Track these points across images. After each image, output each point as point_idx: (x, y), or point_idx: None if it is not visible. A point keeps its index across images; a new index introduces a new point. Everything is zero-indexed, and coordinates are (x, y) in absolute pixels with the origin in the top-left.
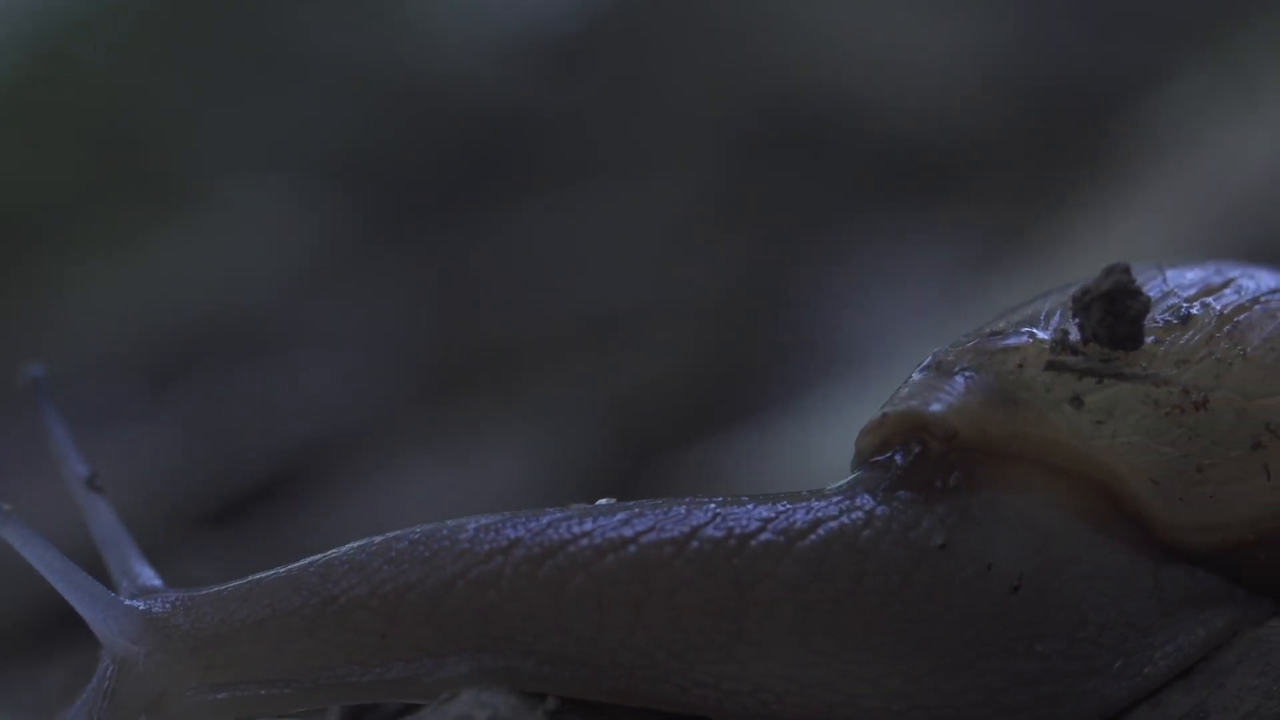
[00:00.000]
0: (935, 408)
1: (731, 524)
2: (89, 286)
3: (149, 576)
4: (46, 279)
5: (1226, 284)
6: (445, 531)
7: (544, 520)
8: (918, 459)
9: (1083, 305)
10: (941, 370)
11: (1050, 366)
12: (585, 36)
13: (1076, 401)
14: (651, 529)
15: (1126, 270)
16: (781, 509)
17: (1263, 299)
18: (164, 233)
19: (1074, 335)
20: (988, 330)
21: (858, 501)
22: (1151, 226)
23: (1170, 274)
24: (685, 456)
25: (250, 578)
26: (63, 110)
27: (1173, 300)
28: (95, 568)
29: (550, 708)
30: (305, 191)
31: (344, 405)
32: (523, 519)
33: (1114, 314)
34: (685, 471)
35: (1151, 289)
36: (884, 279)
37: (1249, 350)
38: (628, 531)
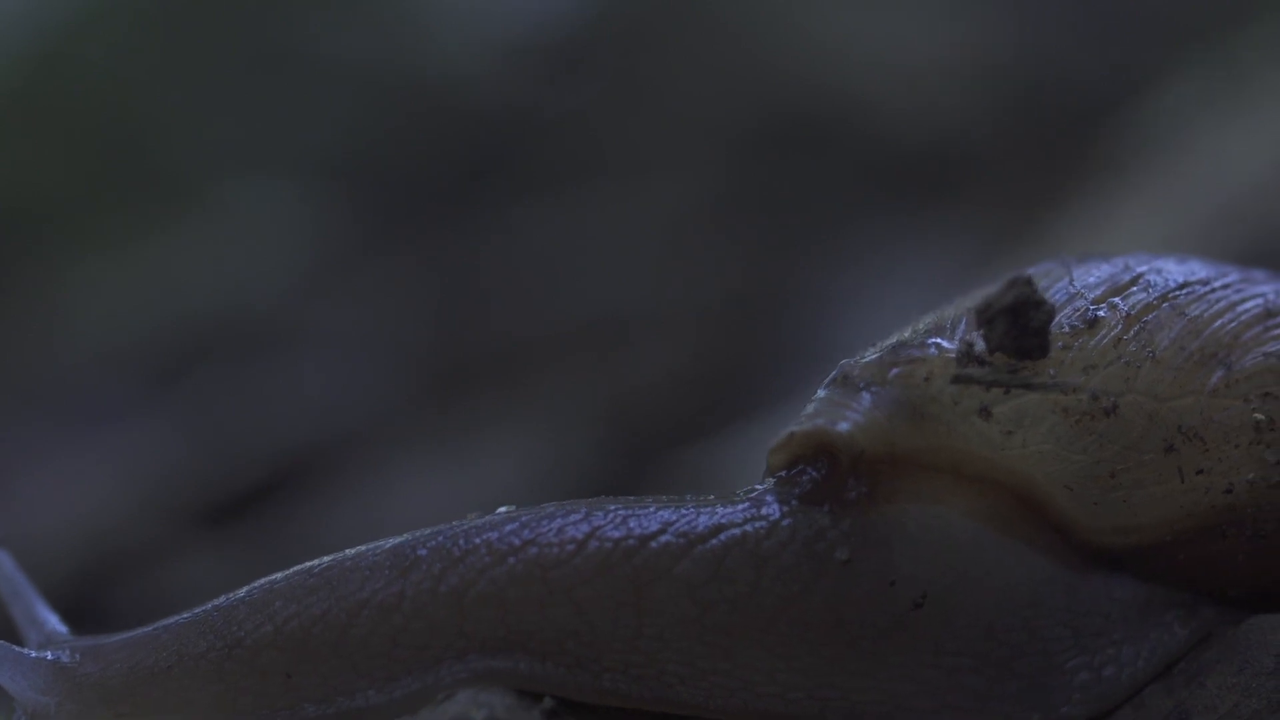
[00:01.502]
0: (842, 427)
1: (633, 525)
2: (90, 286)
3: (55, 624)
4: (48, 278)
5: (1134, 281)
6: (349, 561)
7: (443, 536)
8: (826, 474)
9: (986, 319)
10: (848, 385)
11: (956, 380)
12: (586, 38)
13: (985, 413)
14: (552, 531)
15: (1028, 281)
16: (685, 513)
17: (1171, 296)
18: (166, 233)
19: (979, 346)
20: (895, 340)
21: (763, 511)
22: (1147, 228)
23: (1077, 273)
24: (685, 457)
25: (159, 623)
26: (65, 111)
27: (1080, 303)
28: (87, 569)
29: (547, 707)
30: (307, 192)
31: (345, 405)
32: (425, 536)
33: (1017, 327)
34: (685, 472)
35: (1057, 291)
36: (883, 280)
37: (1158, 352)
38: (528, 534)
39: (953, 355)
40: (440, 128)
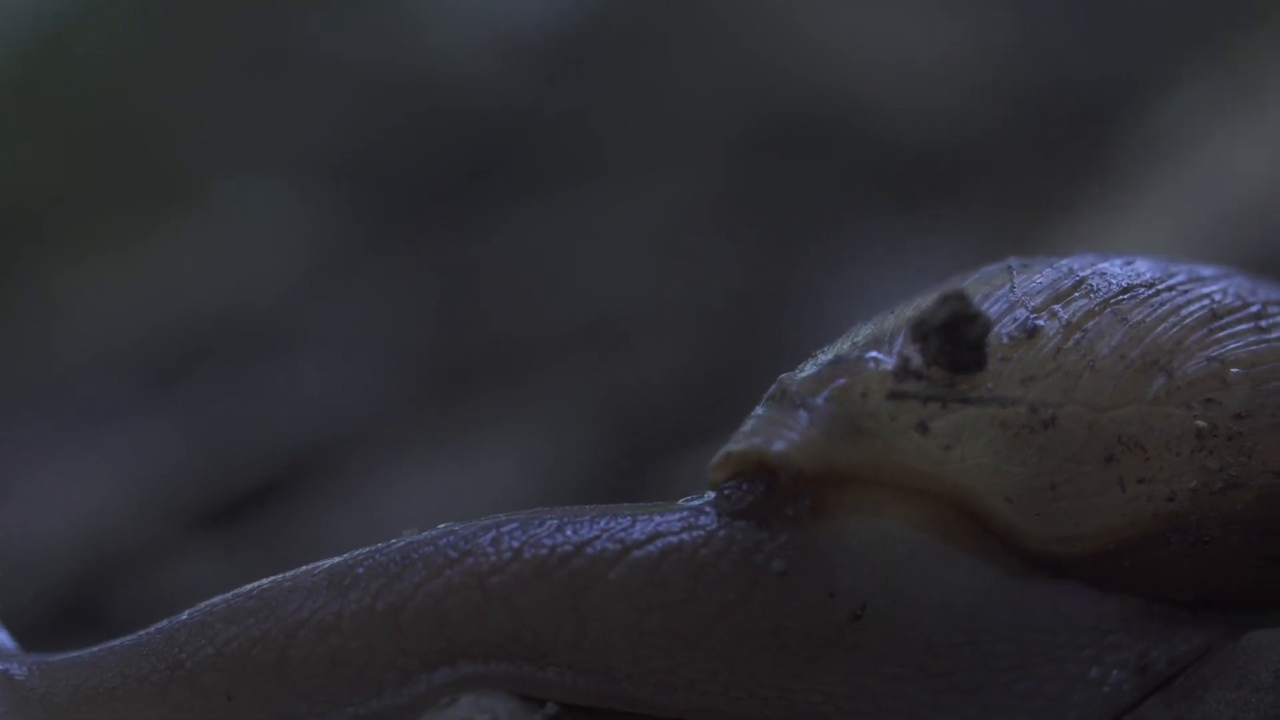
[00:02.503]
0: (778, 446)
1: (569, 533)
2: (90, 286)
3: (3, 638)
4: (47, 278)
5: (1077, 286)
6: (288, 581)
7: (381, 554)
8: (765, 491)
9: (920, 335)
10: (785, 402)
11: (893, 396)
12: (586, 38)
13: (922, 428)
14: (488, 541)
15: (961, 297)
16: (622, 521)
17: (1113, 301)
18: (165, 232)
19: (916, 361)
20: (833, 354)
21: (701, 521)
22: (1151, 231)
23: (1019, 279)
24: (685, 458)
25: (105, 644)
26: (64, 110)
27: (1020, 312)
28: (87, 569)
29: (550, 712)
30: (307, 192)
31: (344, 406)
32: (363, 555)
33: (952, 342)
34: (685, 472)
35: (998, 300)
36: (884, 282)
37: (1098, 361)
38: (465, 546)
39: (890, 370)
40: (440, 127)
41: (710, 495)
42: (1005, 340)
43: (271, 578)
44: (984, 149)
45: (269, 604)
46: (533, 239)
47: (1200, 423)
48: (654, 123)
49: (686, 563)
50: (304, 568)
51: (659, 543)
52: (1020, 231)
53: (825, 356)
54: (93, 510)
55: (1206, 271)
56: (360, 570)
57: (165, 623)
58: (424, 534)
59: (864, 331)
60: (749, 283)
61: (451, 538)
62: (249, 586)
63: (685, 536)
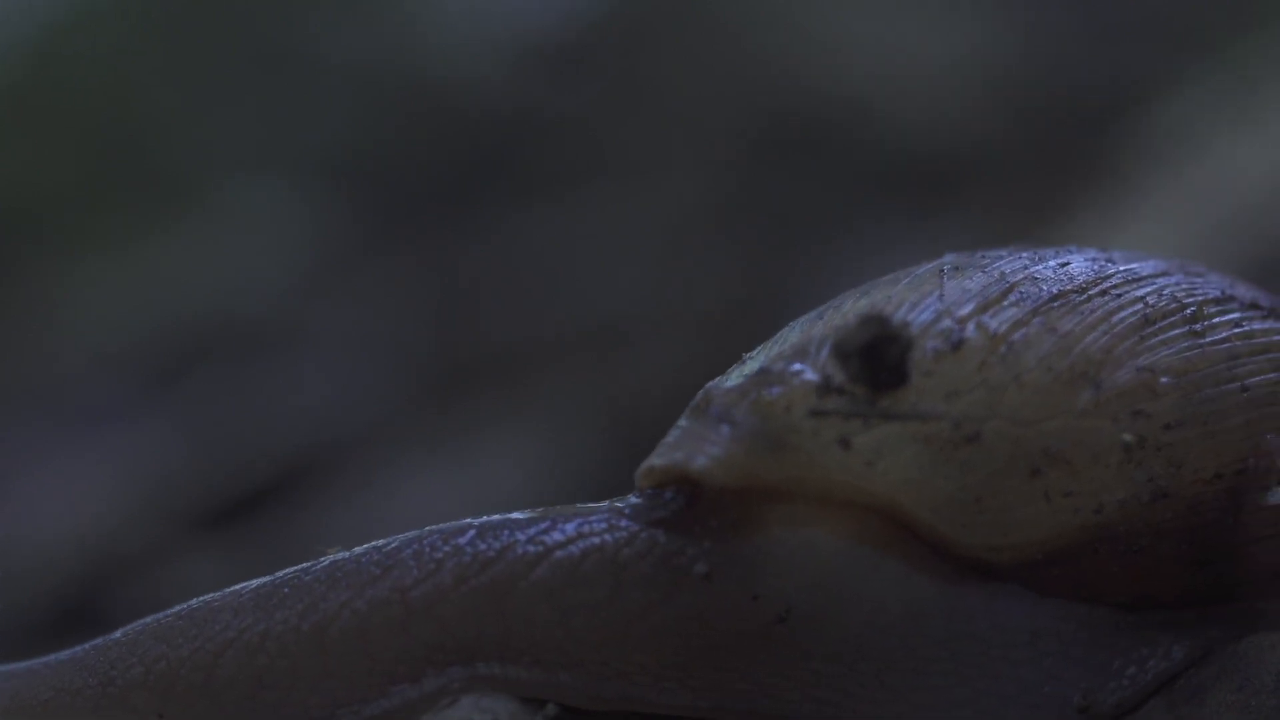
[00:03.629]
0: (699, 462)
1: (490, 539)
2: (90, 286)
3: None
4: (47, 278)
5: (1007, 293)
6: (216, 600)
7: (307, 574)
8: (688, 501)
9: (842, 356)
10: (708, 414)
11: (814, 413)
12: (587, 40)
13: (845, 443)
14: (409, 555)
15: (881, 320)
16: (545, 524)
17: (1043, 309)
18: (166, 234)
19: (838, 377)
20: (760, 362)
21: (623, 523)
22: (1153, 234)
23: (950, 285)
24: None
25: (41, 659)
26: (64, 111)
27: (946, 323)
28: (87, 570)
29: (550, 714)
30: (306, 193)
31: (345, 408)
32: (290, 575)
33: (872, 364)
34: None
35: (925, 308)
36: None
37: (1024, 374)
38: (388, 562)
39: (813, 384)
40: (441, 129)
41: (635, 498)
42: (929, 354)
43: (203, 597)
44: (986, 152)
45: (197, 623)
46: (533, 241)
47: (1127, 437)
48: (655, 125)
49: (609, 562)
50: (234, 587)
51: (580, 544)
52: (1022, 234)
53: (752, 364)
54: (92, 511)
55: (1145, 269)
56: (286, 590)
57: (101, 639)
58: (349, 553)
59: (791, 338)
60: (750, 285)
61: (375, 555)
62: (181, 605)
63: (608, 538)
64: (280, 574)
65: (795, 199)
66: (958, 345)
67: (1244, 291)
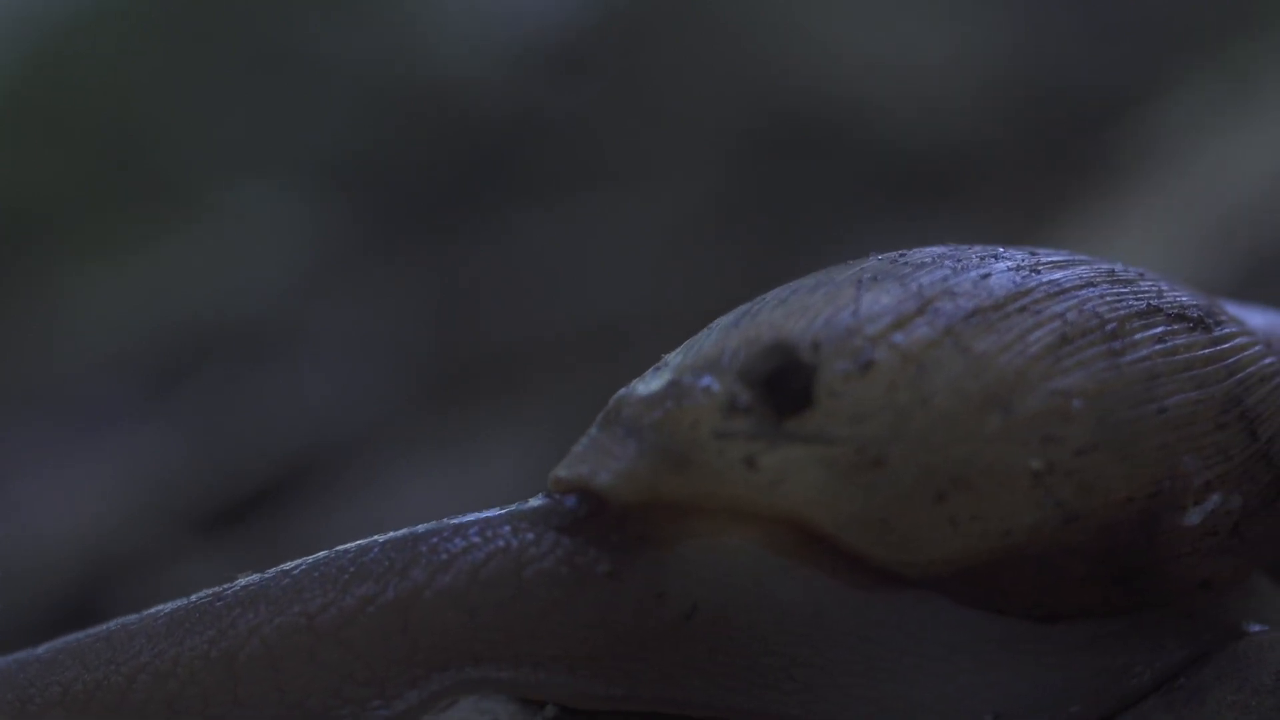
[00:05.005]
0: (602, 478)
1: (394, 553)
2: (91, 289)
3: None
4: (48, 281)
5: (921, 310)
6: (132, 624)
7: (218, 599)
8: (593, 509)
9: (746, 383)
10: (617, 425)
11: (719, 435)
12: (587, 42)
13: (750, 463)
14: (316, 578)
15: (783, 349)
16: (447, 533)
17: (956, 330)
18: (166, 236)
19: (743, 398)
20: (670, 372)
21: (526, 525)
22: (1151, 234)
23: (864, 300)
24: None
25: None
26: (65, 113)
27: (856, 341)
28: (88, 572)
29: (550, 715)
30: (307, 195)
31: (345, 410)
32: (205, 598)
33: (775, 392)
34: None
35: (837, 324)
36: None
37: (932, 397)
38: (296, 587)
39: (720, 402)
40: (441, 131)
41: (540, 501)
42: (838, 375)
43: (123, 619)
44: (985, 152)
45: (113, 646)
46: (534, 242)
47: (1035, 463)
48: (656, 127)
49: (512, 563)
50: (151, 610)
51: (484, 548)
52: (1022, 234)
53: (665, 372)
54: (93, 513)
55: (1069, 280)
56: (198, 615)
57: (25, 653)
58: (261, 576)
59: (707, 345)
60: (750, 286)
61: (284, 579)
62: (102, 626)
63: (512, 540)
64: (194, 598)
65: (795, 200)
66: (867, 366)
67: (1174, 301)
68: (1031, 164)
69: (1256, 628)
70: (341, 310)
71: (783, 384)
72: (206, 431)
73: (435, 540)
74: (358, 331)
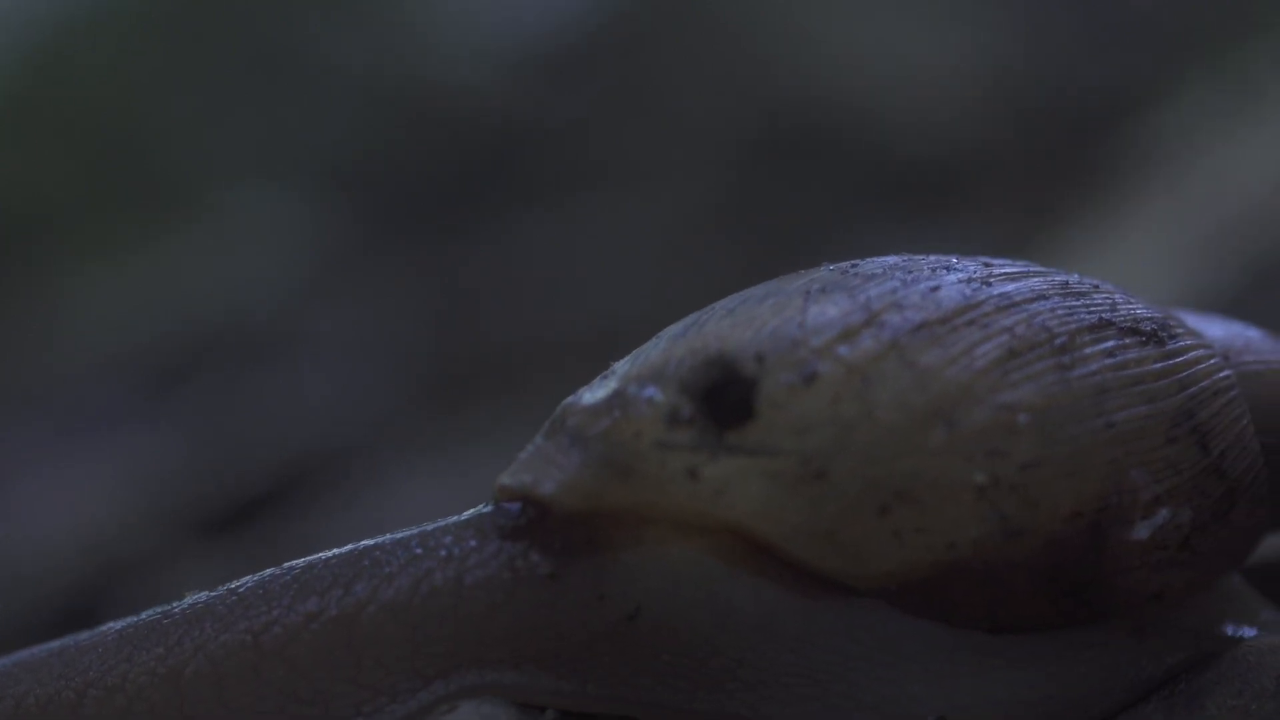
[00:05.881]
0: (547, 488)
1: (338, 569)
2: (91, 292)
3: None
4: (48, 282)
5: (868, 323)
6: (84, 639)
7: (165, 619)
8: (535, 518)
9: (688, 396)
10: (561, 434)
11: (661, 446)
12: (586, 46)
13: (692, 474)
14: (261, 595)
15: (723, 362)
16: (390, 547)
17: (902, 343)
18: (167, 238)
19: (685, 410)
20: (613, 386)
21: (469, 533)
22: (1151, 240)
23: (811, 312)
24: None
25: None
26: (65, 116)
27: (801, 353)
28: (88, 575)
29: (550, 719)
30: (307, 198)
31: (345, 412)
32: (153, 617)
33: (715, 405)
34: None
35: (783, 336)
36: None
37: (877, 410)
38: (242, 605)
39: (663, 413)
40: (441, 134)
41: (485, 508)
42: (782, 387)
43: (76, 635)
44: (986, 156)
45: (66, 661)
46: (533, 244)
47: (979, 478)
48: (654, 130)
49: (453, 573)
50: (104, 626)
51: (426, 561)
52: (1021, 239)
53: (611, 381)
54: (93, 515)
55: (1020, 293)
56: (146, 631)
57: None
58: (208, 594)
59: (654, 353)
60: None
61: (230, 597)
62: (57, 641)
63: (454, 550)
64: (144, 615)
65: (794, 203)
66: (811, 379)
67: (1128, 314)
68: (1031, 169)
69: (1249, 632)
70: (341, 312)
71: (724, 396)
72: (206, 433)
73: (379, 554)
74: (358, 333)
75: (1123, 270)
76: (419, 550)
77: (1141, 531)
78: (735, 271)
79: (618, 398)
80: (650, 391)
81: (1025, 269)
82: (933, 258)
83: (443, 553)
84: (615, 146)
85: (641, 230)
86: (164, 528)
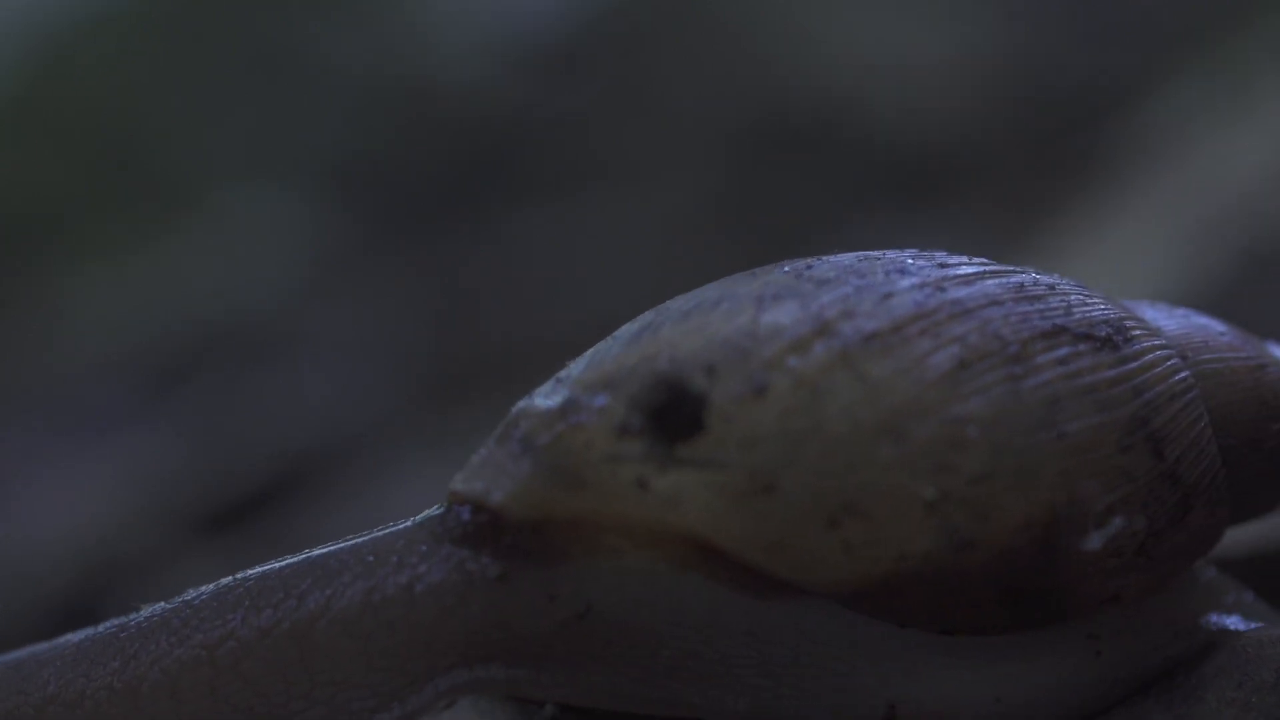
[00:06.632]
0: (497, 496)
1: (290, 580)
2: (91, 291)
3: None
4: (48, 283)
5: (820, 333)
6: (42, 653)
7: (123, 632)
8: (486, 524)
9: (638, 410)
10: (512, 443)
11: (611, 457)
12: (583, 42)
13: (642, 485)
14: (213, 608)
15: (672, 382)
16: (343, 557)
17: (852, 354)
18: (166, 238)
19: (635, 422)
20: (565, 393)
21: (419, 538)
22: (1146, 231)
23: (763, 320)
24: None
25: None
26: (65, 116)
27: (752, 364)
28: (87, 575)
29: (548, 715)
30: (306, 197)
31: (345, 410)
32: (110, 630)
33: (664, 420)
34: None
35: (734, 346)
36: None
37: (826, 423)
38: (196, 619)
39: (613, 423)
40: (439, 132)
41: (436, 511)
42: (730, 401)
43: (34, 647)
44: (980, 149)
45: (24, 675)
46: (532, 242)
47: (928, 492)
48: (653, 126)
49: (405, 579)
50: (62, 639)
51: (379, 570)
52: (1017, 231)
53: (563, 386)
54: (93, 515)
55: (974, 299)
56: (104, 645)
57: None
58: (165, 606)
59: (607, 359)
60: None
61: (187, 611)
62: (12, 654)
63: (406, 557)
64: (102, 627)
65: (791, 198)
66: (761, 391)
67: (1083, 318)
68: (1026, 162)
69: (1244, 625)
70: (341, 311)
71: (674, 409)
72: (206, 433)
73: (333, 563)
74: (357, 332)
75: (1116, 262)
76: (371, 558)
77: (1095, 541)
78: (734, 268)
79: (569, 405)
80: (601, 401)
81: (981, 270)
82: (889, 257)
83: (394, 559)
84: (613, 144)
85: (640, 227)
86: (164, 527)
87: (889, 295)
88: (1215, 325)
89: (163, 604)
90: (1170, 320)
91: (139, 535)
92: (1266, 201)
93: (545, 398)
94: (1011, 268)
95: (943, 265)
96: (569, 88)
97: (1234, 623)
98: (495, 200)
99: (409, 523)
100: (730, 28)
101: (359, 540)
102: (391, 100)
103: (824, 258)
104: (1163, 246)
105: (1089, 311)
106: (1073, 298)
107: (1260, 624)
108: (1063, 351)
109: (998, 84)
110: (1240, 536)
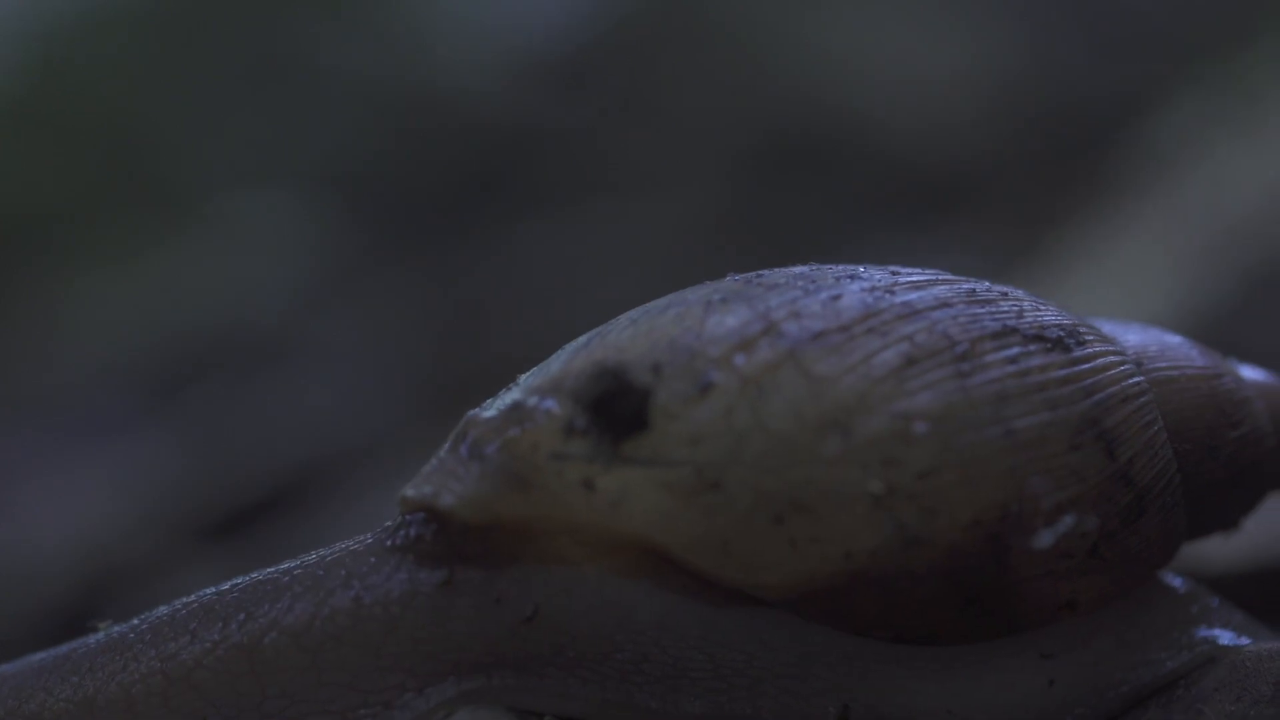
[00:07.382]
0: (446, 501)
1: (243, 595)
2: (94, 298)
3: None
4: (49, 291)
5: (766, 332)
6: (8, 669)
7: (82, 649)
8: (436, 532)
9: (581, 407)
10: (461, 448)
11: (556, 457)
12: (591, 54)
13: (588, 485)
14: (167, 622)
15: (613, 373)
16: (296, 572)
17: (798, 353)
18: (169, 245)
19: (580, 421)
20: (514, 398)
21: (371, 549)
22: (1154, 245)
23: (710, 323)
24: None
25: None
26: (69, 122)
27: (698, 364)
28: (87, 582)
29: None
30: (310, 206)
31: (347, 419)
32: (70, 649)
33: (606, 415)
34: None
35: (681, 348)
36: None
37: (770, 421)
38: (151, 633)
39: (560, 425)
40: (444, 142)
41: (389, 523)
42: (675, 398)
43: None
44: (988, 164)
45: None
46: (536, 253)
47: (875, 485)
48: (659, 139)
49: (352, 592)
50: (25, 658)
51: (326, 583)
52: (1025, 246)
53: (512, 393)
54: (93, 523)
55: (924, 301)
56: (62, 661)
57: None
58: (122, 626)
59: (555, 366)
60: None
61: (143, 626)
62: None
63: (355, 568)
64: (62, 647)
65: (799, 211)
66: (706, 389)
67: (1034, 321)
68: (1034, 176)
69: (1235, 640)
70: (344, 320)
71: (617, 406)
72: (207, 440)
73: (285, 579)
74: (359, 342)
75: (1123, 278)
76: (321, 573)
77: (1044, 539)
78: None
79: (516, 410)
80: (548, 404)
81: (933, 278)
82: (840, 267)
83: (343, 572)
84: (620, 156)
85: (647, 240)
86: (165, 533)
87: (838, 297)
88: (1174, 338)
89: (116, 624)
90: (1130, 333)
91: (140, 542)
92: (1274, 217)
93: (494, 405)
94: (964, 278)
95: (894, 273)
96: (577, 100)
97: (1228, 638)
98: (500, 211)
99: (360, 539)
100: (739, 41)
101: (312, 557)
102: (398, 110)
103: (773, 269)
104: (1171, 261)
105: (1041, 316)
106: (1024, 304)
107: (1251, 639)
108: (1013, 351)
109: (1007, 99)
110: (1230, 554)
